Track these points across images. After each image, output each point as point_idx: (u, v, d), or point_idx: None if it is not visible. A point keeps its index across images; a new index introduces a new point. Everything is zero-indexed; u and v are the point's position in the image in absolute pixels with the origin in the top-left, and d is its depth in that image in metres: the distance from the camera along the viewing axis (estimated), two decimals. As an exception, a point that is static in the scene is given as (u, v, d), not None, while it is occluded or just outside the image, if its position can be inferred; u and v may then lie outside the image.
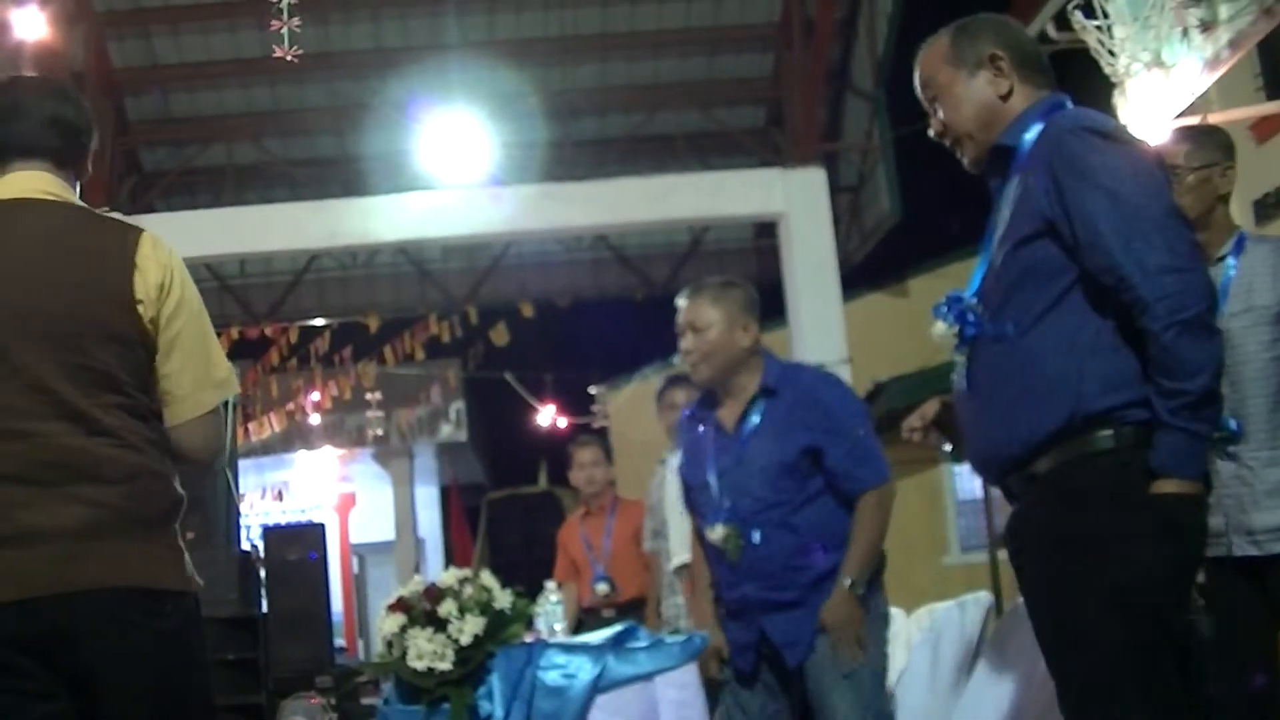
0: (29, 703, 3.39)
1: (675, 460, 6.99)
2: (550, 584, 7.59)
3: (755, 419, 5.67)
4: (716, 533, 5.53)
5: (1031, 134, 3.77)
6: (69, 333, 3.55)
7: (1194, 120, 7.79)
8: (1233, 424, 4.52)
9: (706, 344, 5.74)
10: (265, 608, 11.23)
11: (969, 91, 3.92)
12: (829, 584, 5.47)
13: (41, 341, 3.52)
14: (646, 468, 9.77)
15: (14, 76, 4.09)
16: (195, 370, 3.77)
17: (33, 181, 3.76)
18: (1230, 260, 4.78)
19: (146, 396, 3.68)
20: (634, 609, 9.12)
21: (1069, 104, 3.90)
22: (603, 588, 9.35)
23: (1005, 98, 3.88)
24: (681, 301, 5.82)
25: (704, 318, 5.76)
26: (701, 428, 5.87)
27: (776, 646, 5.54)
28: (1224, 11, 7.32)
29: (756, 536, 5.48)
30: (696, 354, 5.75)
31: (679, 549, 7.07)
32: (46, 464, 3.47)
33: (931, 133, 4.03)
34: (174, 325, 3.72)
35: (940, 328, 3.86)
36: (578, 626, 8.87)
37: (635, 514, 9.60)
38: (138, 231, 3.77)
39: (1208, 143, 5.00)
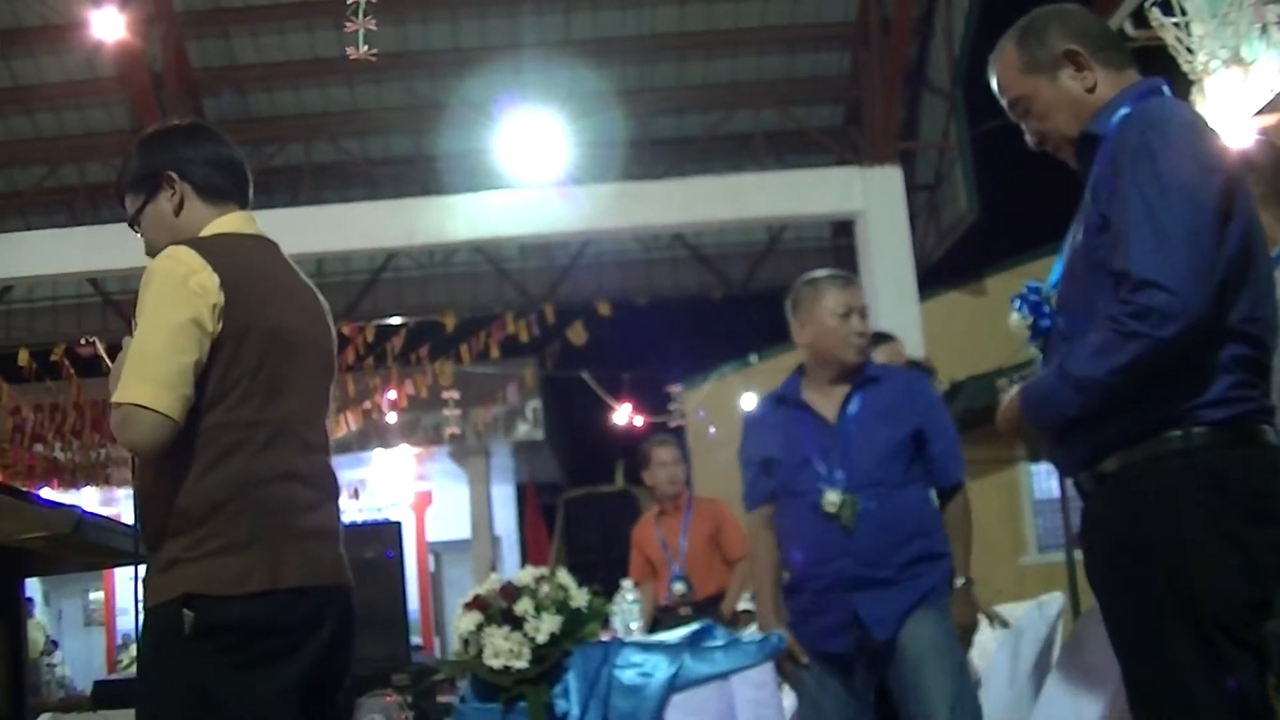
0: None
1: None
2: (626, 583, 7.59)
3: (857, 404, 5.76)
4: (832, 499, 5.54)
5: (1117, 118, 3.67)
6: (324, 360, 4.16)
7: (1272, 119, 7.73)
8: None
9: (867, 329, 5.90)
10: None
11: (1056, 95, 3.82)
12: (921, 566, 5.53)
13: (317, 365, 4.11)
14: (726, 466, 9.72)
15: (192, 121, 4.37)
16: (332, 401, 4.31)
17: (251, 223, 4.15)
18: None
19: None
20: (710, 607, 9.10)
21: (1166, 89, 3.80)
22: (679, 587, 9.32)
23: (1091, 90, 3.78)
24: (852, 288, 5.91)
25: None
26: (791, 412, 5.91)
27: (866, 624, 5.55)
28: (1305, 8, 7.27)
29: (869, 504, 5.53)
30: (865, 338, 5.88)
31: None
32: (320, 472, 4.06)
33: (1030, 142, 3.97)
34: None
35: (1015, 319, 3.84)
36: (654, 625, 8.85)
37: (712, 513, 9.58)
38: None
39: None
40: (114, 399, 3.69)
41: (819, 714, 5.76)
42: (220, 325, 3.76)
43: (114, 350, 3.96)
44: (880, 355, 6.87)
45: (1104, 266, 3.52)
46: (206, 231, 3.99)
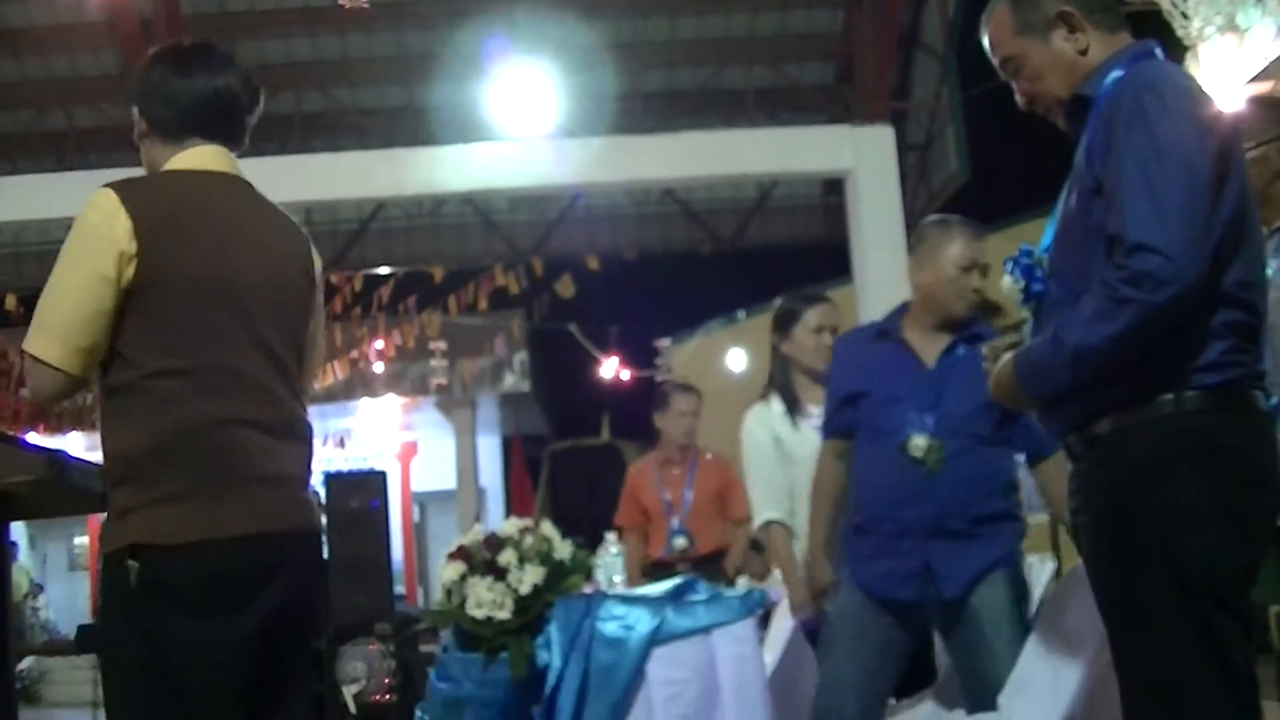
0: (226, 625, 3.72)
1: (755, 414, 6.96)
2: (610, 535, 7.60)
3: (959, 355, 5.69)
4: (919, 443, 5.50)
5: (1110, 81, 3.66)
6: (283, 301, 3.96)
7: (1266, 87, 7.72)
8: (1275, 400, 4.48)
9: (984, 286, 5.83)
10: (326, 554, 11.30)
11: (1048, 57, 3.80)
12: (1000, 525, 5.50)
13: (269, 307, 3.90)
14: (710, 422, 9.70)
15: (181, 44, 4.28)
16: (318, 347, 4.26)
17: (216, 158, 4.04)
18: None
19: (304, 364, 4.13)
20: (709, 564, 9.05)
21: (1159, 53, 3.79)
22: (680, 541, 9.21)
23: (1084, 52, 3.76)
24: (980, 242, 5.86)
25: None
26: (889, 348, 5.83)
27: (937, 576, 5.51)
28: (1300, -25, 7.26)
29: (956, 454, 5.48)
30: (980, 295, 5.82)
31: (762, 506, 6.98)
32: (276, 417, 3.88)
33: (1020, 102, 3.96)
34: (320, 304, 4.21)
35: (1007, 282, 3.83)
36: (647, 579, 8.76)
37: (719, 470, 9.51)
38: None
39: (1274, 117, 4.94)
40: (24, 346, 3.68)
41: (859, 643, 5.63)
42: (133, 273, 3.67)
43: None
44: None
45: (1098, 230, 3.51)
46: (166, 167, 3.96)
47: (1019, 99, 3.94)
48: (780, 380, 6.87)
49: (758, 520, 6.80)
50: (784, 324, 6.91)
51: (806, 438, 6.62)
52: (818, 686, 5.77)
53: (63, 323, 3.63)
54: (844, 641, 5.68)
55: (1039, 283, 3.74)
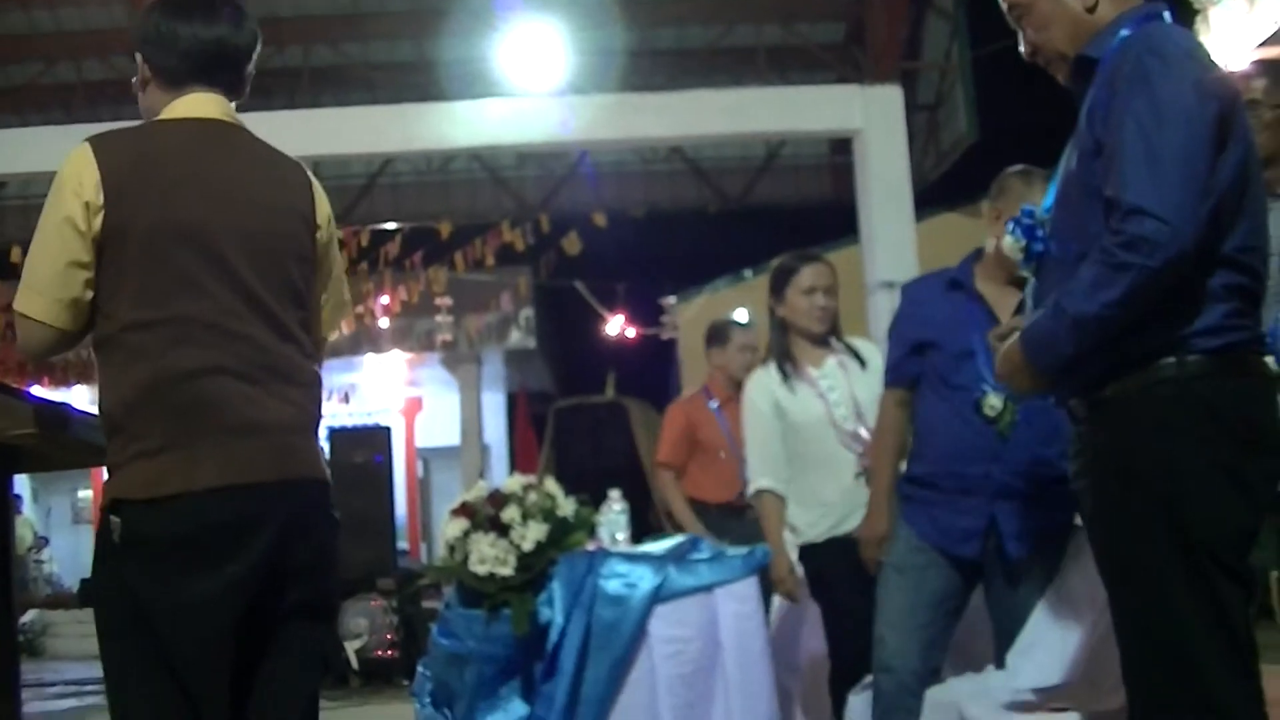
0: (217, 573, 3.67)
1: (755, 379, 6.93)
2: (614, 493, 7.58)
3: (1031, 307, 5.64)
4: (994, 403, 5.42)
5: (1116, 42, 3.64)
6: (274, 249, 3.89)
7: (1276, 51, 7.70)
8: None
9: None
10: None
11: (1055, 8, 3.79)
12: (1060, 488, 5.46)
13: (253, 255, 3.83)
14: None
15: None
16: (336, 296, 4.22)
17: (211, 105, 3.97)
18: None
19: (308, 313, 4.03)
20: None
21: (1166, 15, 3.75)
22: None
23: (1092, 9, 3.74)
24: None
25: None
26: (962, 300, 5.72)
27: (1003, 535, 5.46)
28: (1312, -61, 7.23)
29: (1029, 414, 5.39)
30: None
31: (757, 473, 6.93)
32: (261, 365, 3.81)
33: (1023, 52, 3.95)
34: (331, 253, 4.15)
35: (1009, 242, 3.82)
36: (707, 523, 8.51)
37: None
38: (300, 164, 4.13)
39: None
40: (15, 305, 3.69)
41: (918, 595, 5.58)
42: (100, 225, 3.66)
43: None
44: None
45: (1097, 191, 3.50)
46: (161, 116, 3.95)
47: (1022, 48, 3.93)
48: (778, 344, 6.81)
49: (751, 488, 6.79)
50: (778, 285, 6.85)
51: (804, 402, 6.60)
52: (876, 639, 5.68)
53: (43, 277, 3.64)
54: (902, 594, 5.63)
55: (1040, 243, 3.73)
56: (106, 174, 3.66)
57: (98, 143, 3.73)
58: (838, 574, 6.45)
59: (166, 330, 3.68)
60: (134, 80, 4.04)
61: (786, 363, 6.73)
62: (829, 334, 6.73)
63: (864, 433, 6.44)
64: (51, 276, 3.63)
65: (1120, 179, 3.38)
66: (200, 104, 3.94)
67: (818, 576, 6.66)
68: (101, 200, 3.64)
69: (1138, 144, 3.38)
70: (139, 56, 3.99)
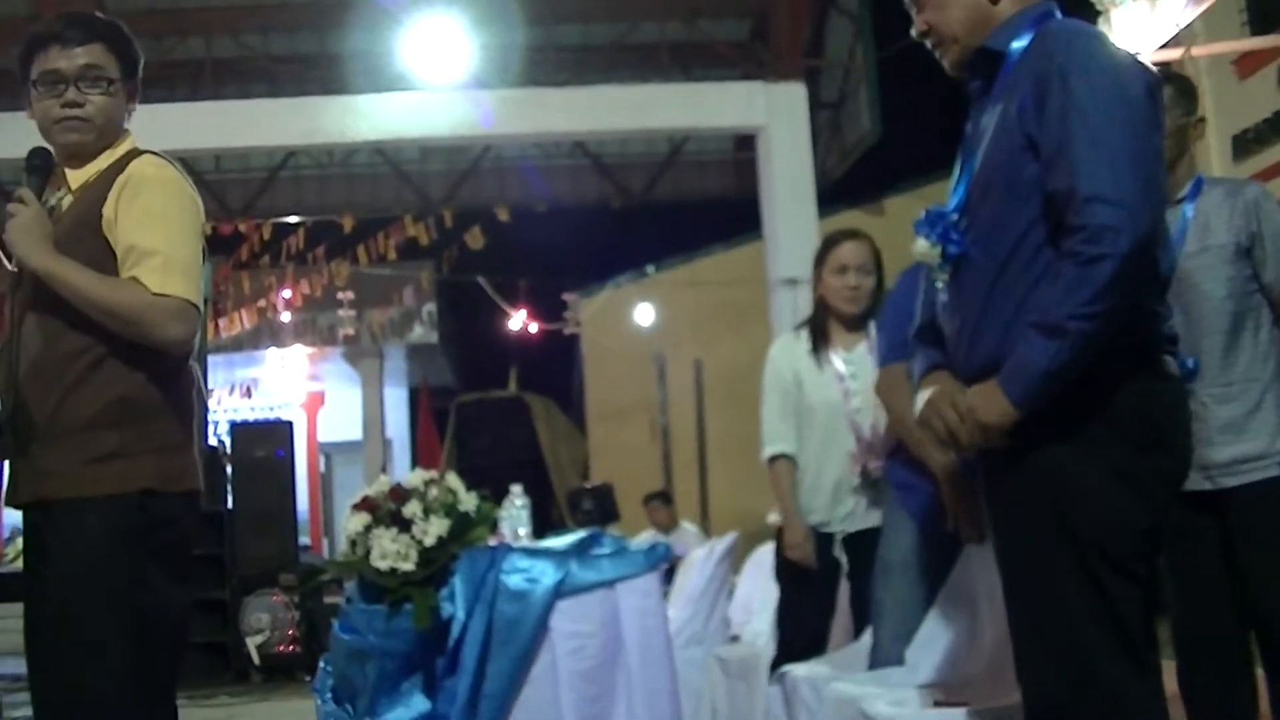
0: None
1: (782, 343, 6.86)
2: (516, 488, 7.57)
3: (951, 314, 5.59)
4: None
5: (1021, 42, 3.63)
6: None
7: (1176, 54, 7.77)
8: (1189, 362, 4.53)
9: None
10: (231, 504, 11.26)
11: (957, 3, 3.76)
12: None
13: None
14: (618, 373, 9.66)
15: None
16: None
17: None
18: (1187, 204, 4.80)
19: None
20: None
21: (1058, 13, 3.74)
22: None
23: (996, 1, 3.75)
24: None
25: None
26: None
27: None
28: (1211, -57, 7.30)
29: None
30: None
31: (771, 438, 6.86)
32: None
33: (913, 32, 3.91)
34: None
35: (922, 245, 3.77)
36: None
37: None
38: None
39: (1191, 93, 5.01)
40: (164, 288, 3.75)
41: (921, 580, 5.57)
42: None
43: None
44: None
45: (1031, 186, 3.48)
46: (125, 143, 4.07)
47: (914, 29, 3.90)
48: (815, 318, 6.72)
49: (765, 452, 6.73)
50: (816, 264, 6.71)
51: (824, 382, 6.52)
52: (878, 625, 5.72)
53: (199, 274, 3.89)
54: (919, 590, 5.58)
55: (956, 245, 3.68)
56: (197, 198, 4.02)
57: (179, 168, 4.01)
58: (790, 566, 6.49)
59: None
60: (126, 94, 4.10)
61: (819, 338, 6.65)
62: (865, 316, 6.63)
63: (874, 430, 6.38)
64: (199, 271, 3.84)
65: (1072, 170, 3.36)
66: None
67: (783, 562, 6.63)
68: (201, 217, 3.97)
69: (1083, 133, 3.36)
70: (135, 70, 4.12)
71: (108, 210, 3.82)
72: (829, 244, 6.64)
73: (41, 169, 3.94)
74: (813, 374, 6.57)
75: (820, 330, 6.63)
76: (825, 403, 6.47)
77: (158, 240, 3.77)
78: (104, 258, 3.79)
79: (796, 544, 6.49)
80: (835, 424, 6.47)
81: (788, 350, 6.72)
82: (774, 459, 6.66)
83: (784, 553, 6.60)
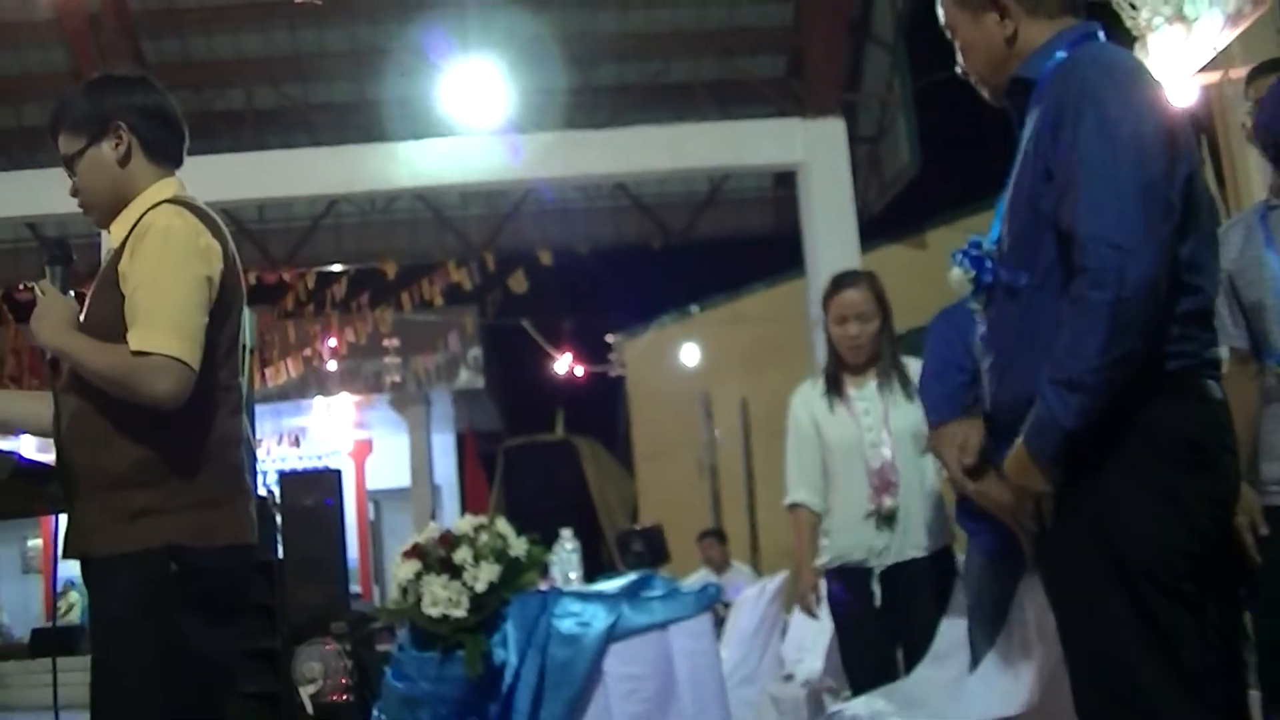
0: None
1: (801, 392, 6.86)
2: (566, 531, 7.59)
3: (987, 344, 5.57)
4: None
5: (1053, 63, 3.61)
6: None
7: (1215, 77, 7.74)
8: None
9: None
10: (281, 553, 11.28)
11: (976, 36, 3.78)
12: None
13: None
14: (664, 413, 9.65)
15: (149, 78, 4.33)
16: None
17: (186, 192, 4.17)
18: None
19: None
20: None
21: (1100, 34, 3.72)
22: None
23: (1011, 40, 3.71)
24: None
25: None
26: None
27: None
28: (1247, -34, 7.27)
29: None
30: None
31: (794, 486, 6.86)
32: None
33: (957, 70, 3.95)
34: None
35: (956, 274, 3.76)
36: None
37: None
38: None
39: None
40: (145, 345, 3.73)
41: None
42: (218, 292, 3.87)
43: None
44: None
45: (1048, 216, 3.45)
46: (153, 191, 4.04)
47: (957, 67, 3.93)
48: (829, 360, 6.75)
49: (787, 499, 6.73)
50: (823, 308, 6.77)
51: (840, 422, 6.54)
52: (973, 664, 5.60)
53: (194, 326, 3.84)
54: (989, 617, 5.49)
55: (989, 274, 3.67)
56: (223, 247, 3.95)
57: (202, 214, 3.97)
58: (835, 606, 6.48)
59: (233, 396, 3.98)
60: (109, 146, 4.07)
61: (831, 381, 6.66)
62: (872, 360, 6.62)
63: (884, 466, 6.37)
64: (200, 328, 3.81)
65: (1075, 208, 3.33)
66: (184, 187, 4.15)
67: (830, 604, 6.63)
68: (223, 270, 3.90)
69: (1091, 167, 3.33)
70: (123, 124, 4.07)
71: (123, 266, 3.85)
72: (831, 289, 6.71)
73: (61, 259, 4.00)
74: (829, 417, 6.60)
75: (833, 372, 6.68)
76: (843, 443, 6.47)
77: (146, 295, 3.78)
78: (123, 314, 3.83)
79: (803, 592, 6.52)
80: (854, 463, 6.48)
81: (805, 397, 6.76)
82: (793, 506, 6.69)
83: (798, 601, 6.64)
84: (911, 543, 6.30)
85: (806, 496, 6.63)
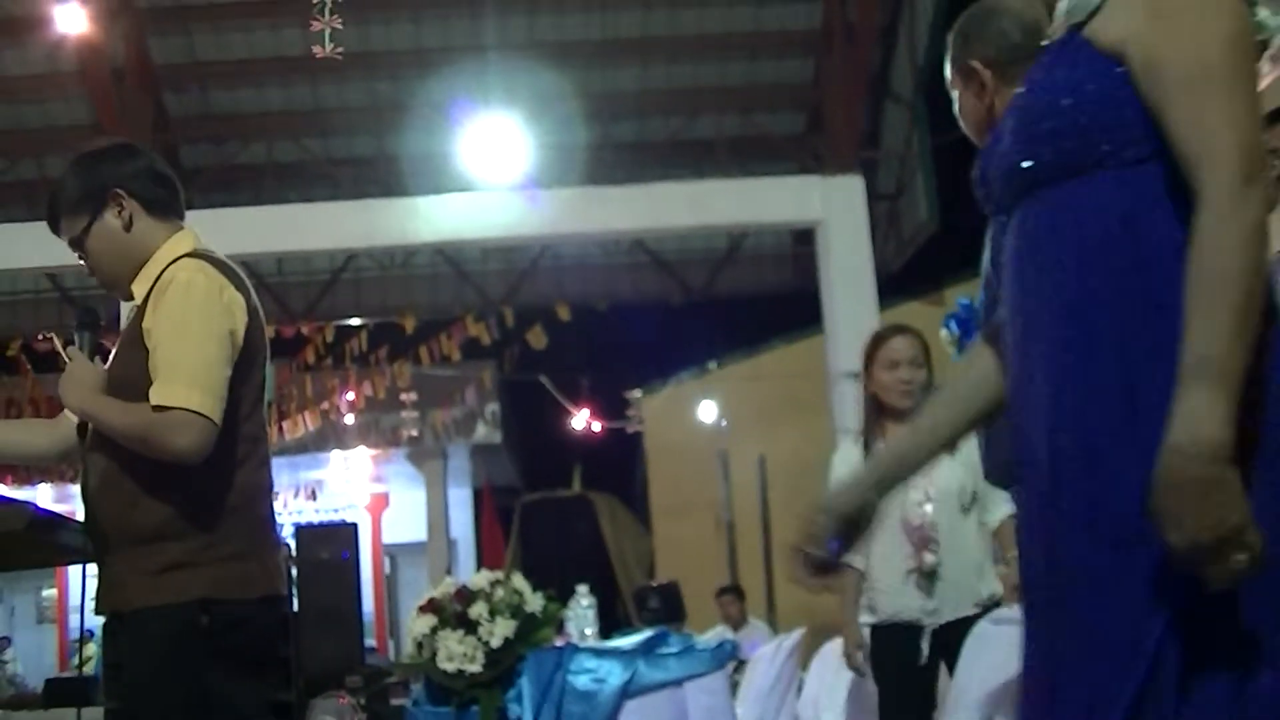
0: None
1: (841, 452, 6.83)
2: (582, 587, 7.55)
3: None
4: None
5: None
6: None
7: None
8: None
9: None
10: (296, 605, 11.27)
11: (965, 104, 3.87)
12: None
13: None
14: (681, 470, 9.63)
15: (128, 143, 4.40)
16: None
17: (200, 242, 4.20)
18: None
19: None
20: None
21: None
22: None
23: (990, 109, 3.76)
24: None
25: None
26: None
27: None
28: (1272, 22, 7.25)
29: None
30: None
31: None
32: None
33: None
34: None
35: (944, 335, 3.78)
36: None
37: None
38: None
39: None
40: (165, 400, 3.75)
41: None
42: (241, 345, 3.92)
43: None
44: None
45: None
46: (170, 247, 4.06)
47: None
48: (866, 420, 6.69)
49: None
50: (865, 361, 6.61)
51: None
52: None
53: (216, 379, 3.87)
54: None
55: (971, 336, 3.67)
56: (245, 298, 4.01)
57: (224, 267, 4.01)
58: (880, 662, 6.44)
59: (261, 447, 4.04)
60: (111, 215, 4.08)
61: (873, 439, 6.61)
62: (916, 411, 6.56)
63: (923, 524, 6.32)
64: (222, 381, 3.84)
65: None
66: (198, 239, 4.16)
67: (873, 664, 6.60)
68: (246, 322, 3.94)
69: None
70: (120, 191, 4.07)
71: (146, 322, 3.89)
72: (879, 339, 6.57)
73: (90, 325, 4.06)
74: None
75: (873, 429, 6.57)
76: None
77: (166, 350, 3.81)
78: (147, 370, 3.87)
79: (849, 653, 6.47)
80: (893, 519, 6.39)
81: (847, 457, 6.66)
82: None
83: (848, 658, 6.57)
84: (963, 599, 6.25)
85: (849, 557, 6.57)
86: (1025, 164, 2.61)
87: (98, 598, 3.93)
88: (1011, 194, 2.70)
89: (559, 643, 6.65)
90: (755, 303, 20.70)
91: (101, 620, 3.98)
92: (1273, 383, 2.34)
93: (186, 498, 3.82)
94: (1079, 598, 2.42)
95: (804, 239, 17.82)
